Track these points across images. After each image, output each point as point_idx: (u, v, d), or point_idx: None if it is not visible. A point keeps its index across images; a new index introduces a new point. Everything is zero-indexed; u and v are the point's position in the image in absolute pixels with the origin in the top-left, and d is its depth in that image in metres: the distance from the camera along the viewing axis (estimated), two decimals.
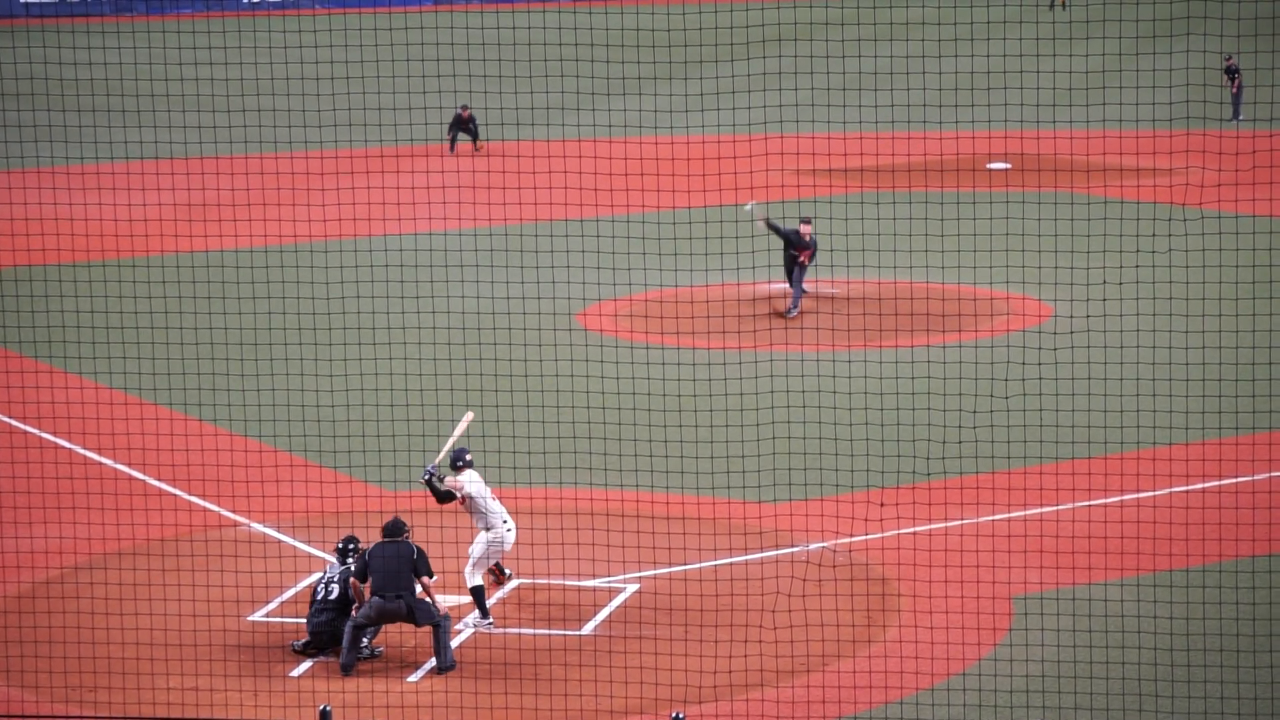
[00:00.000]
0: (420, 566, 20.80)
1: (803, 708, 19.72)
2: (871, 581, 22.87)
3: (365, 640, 20.90)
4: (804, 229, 36.61)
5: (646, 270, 35.99)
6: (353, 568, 21.20)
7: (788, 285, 36.87)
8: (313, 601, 21.21)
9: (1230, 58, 61.42)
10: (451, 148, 59.28)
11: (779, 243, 37.63)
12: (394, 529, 21.03)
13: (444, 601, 21.80)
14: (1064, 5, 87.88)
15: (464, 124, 59.19)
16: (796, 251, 36.45)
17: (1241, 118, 60.32)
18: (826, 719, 19.55)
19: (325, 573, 21.45)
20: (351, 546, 21.50)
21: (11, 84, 61.85)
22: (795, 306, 36.38)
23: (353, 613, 20.87)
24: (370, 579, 20.82)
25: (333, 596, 21.08)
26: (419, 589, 20.81)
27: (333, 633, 20.99)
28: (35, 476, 25.97)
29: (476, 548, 21.82)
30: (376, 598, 20.68)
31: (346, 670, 20.54)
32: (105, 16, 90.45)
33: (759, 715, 19.53)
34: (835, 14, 73.56)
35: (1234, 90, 61.02)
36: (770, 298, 37.69)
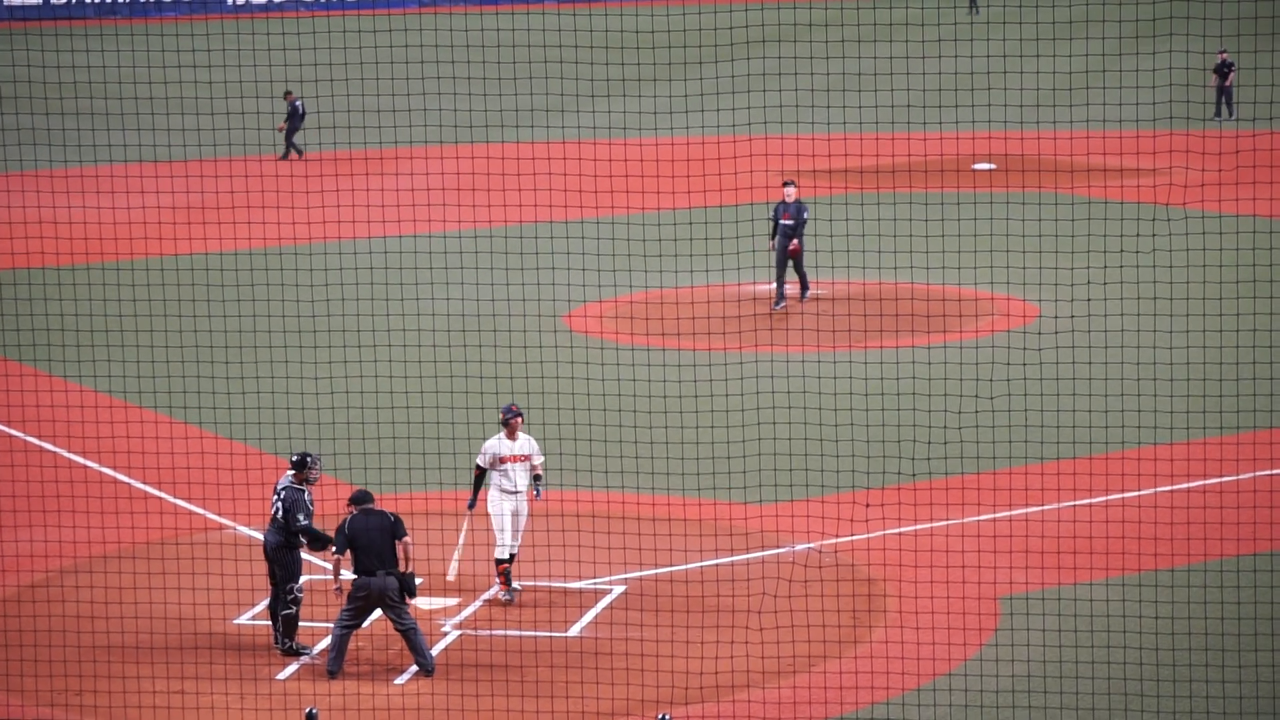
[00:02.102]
0: (398, 527, 20.54)
1: (789, 708, 19.73)
2: (858, 582, 22.89)
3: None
4: (786, 192, 36.86)
5: (632, 272, 35.99)
6: (307, 498, 21.03)
7: (774, 282, 37.10)
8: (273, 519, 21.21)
9: (1224, 52, 61.52)
10: (286, 153, 57.54)
11: (766, 243, 37.64)
12: (365, 497, 20.73)
13: (431, 604, 21.78)
14: (977, 8, 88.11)
15: (296, 117, 57.04)
16: (789, 228, 36.65)
17: (1235, 116, 60.45)
18: None
19: (275, 486, 21.28)
20: (310, 459, 21.27)
21: None
22: (805, 292, 36.87)
23: (330, 572, 20.71)
24: (354, 555, 20.46)
25: (278, 517, 21.02)
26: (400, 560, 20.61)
27: (273, 554, 20.90)
28: (21, 480, 25.93)
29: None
30: (363, 577, 20.39)
31: (333, 674, 20.49)
32: (88, 19, 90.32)
33: (746, 716, 19.53)
34: (820, 15, 73.55)
35: (1225, 85, 61.12)
36: (755, 299, 37.71)
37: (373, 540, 20.42)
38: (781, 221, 36.87)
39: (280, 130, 57.24)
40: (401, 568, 20.53)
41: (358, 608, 20.51)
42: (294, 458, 21.41)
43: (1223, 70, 61.34)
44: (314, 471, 21.35)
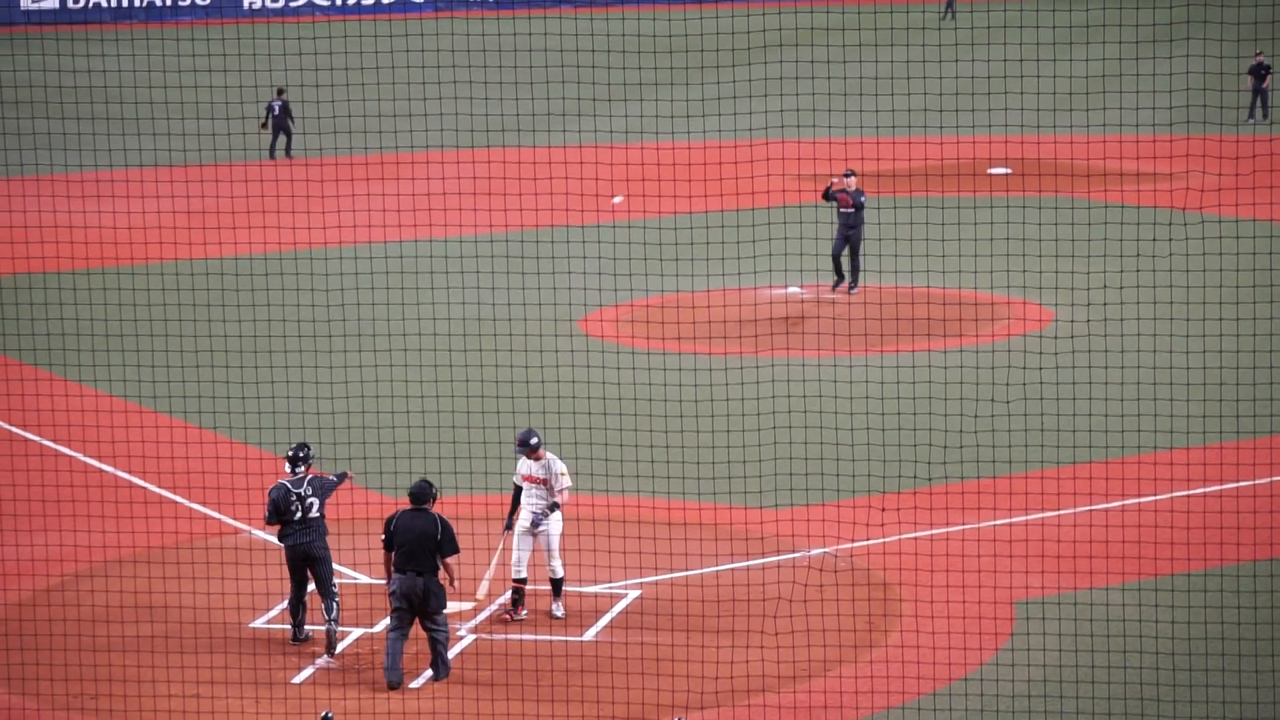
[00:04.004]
0: (445, 544, 20.19)
1: (805, 713, 19.69)
2: (873, 587, 22.85)
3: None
4: (847, 182, 38.17)
5: (647, 276, 35.98)
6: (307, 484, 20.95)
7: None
8: (282, 517, 20.93)
9: (1260, 54, 61.56)
10: (276, 152, 58.17)
11: (781, 247, 37.66)
12: (419, 495, 20.38)
13: (450, 606, 21.73)
14: (953, 14, 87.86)
15: (281, 117, 57.57)
16: (848, 216, 37.95)
17: (1270, 120, 60.51)
18: None
19: (286, 487, 21.06)
20: (303, 454, 21.15)
21: (11, 91, 61.87)
22: (855, 283, 37.94)
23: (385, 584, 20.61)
24: (395, 552, 20.28)
25: (313, 514, 20.92)
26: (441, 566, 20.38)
27: (306, 552, 20.85)
28: (36, 484, 25.96)
29: (558, 528, 21.95)
30: (398, 574, 20.20)
31: (392, 684, 20.14)
32: (105, 24, 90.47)
33: None
34: (836, 19, 73.46)
35: (1262, 87, 61.20)
36: (771, 303, 37.68)
37: (410, 541, 20.20)
38: (842, 210, 38.07)
39: (263, 130, 58.06)
40: (441, 579, 20.34)
41: (399, 612, 20.27)
42: (290, 452, 21.31)
43: (1259, 72, 61.37)
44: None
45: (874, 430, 27.89)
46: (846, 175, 38.20)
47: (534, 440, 22.04)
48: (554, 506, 21.93)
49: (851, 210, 37.99)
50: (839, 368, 31.95)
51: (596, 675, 20.42)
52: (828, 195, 38.32)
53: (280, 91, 57.03)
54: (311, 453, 21.43)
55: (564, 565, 22.13)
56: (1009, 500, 25.08)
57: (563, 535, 22.40)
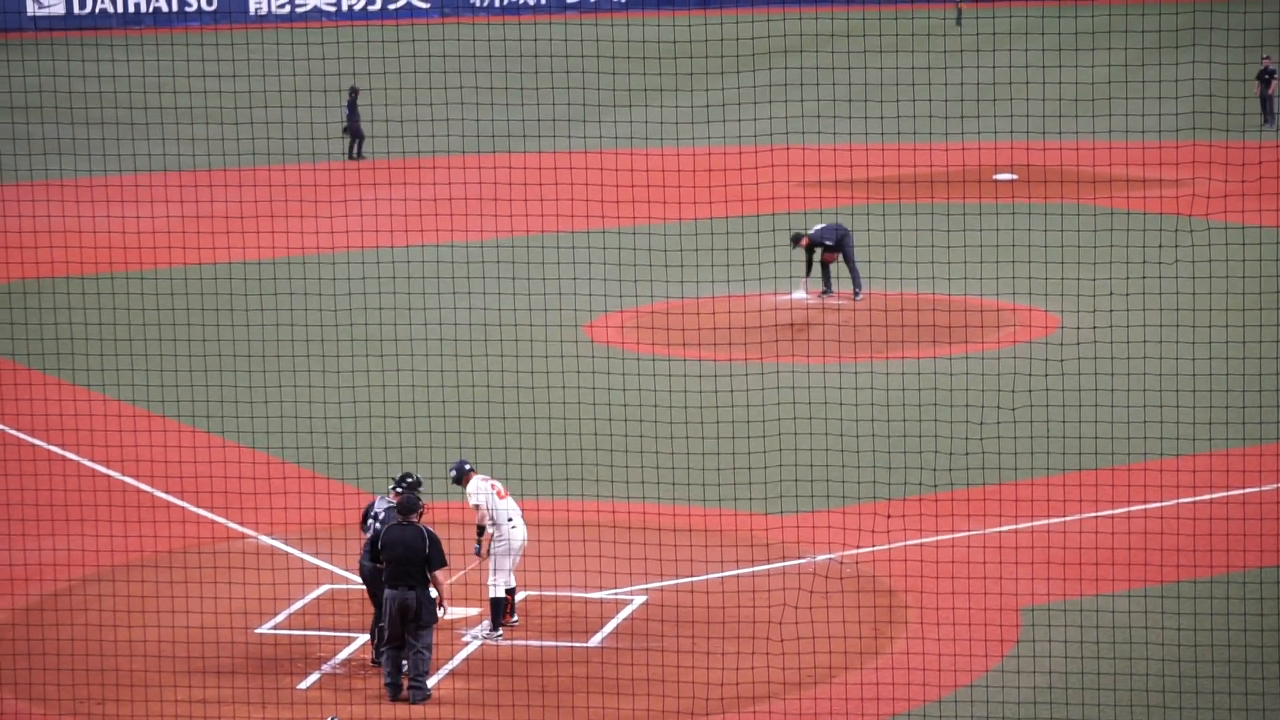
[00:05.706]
0: (433, 557, 20.00)
1: None
2: (879, 593, 22.87)
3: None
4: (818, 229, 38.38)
5: (653, 282, 36.00)
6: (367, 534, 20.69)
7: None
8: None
9: (1267, 58, 61.63)
10: (354, 151, 58.25)
11: (787, 253, 37.73)
12: (407, 507, 20.20)
13: (454, 612, 21.75)
14: (960, 20, 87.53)
15: (355, 117, 57.46)
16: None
17: (1276, 126, 60.54)
18: None
19: (379, 506, 20.82)
20: (410, 480, 20.70)
21: (20, 97, 61.99)
22: (859, 289, 38.06)
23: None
24: (385, 566, 20.16)
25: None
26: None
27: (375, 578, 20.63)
28: (43, 489, 26.00)
29: (492, 558, 21.71)
30: (389, 589, 20.08)
31: (392, 697, 20.09)
32: (113, 30, 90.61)
33: None
34: (841, 25, 73.48)
35: (1269, 93, 61.24)
36: (777, 309, 37.70)
37: (399, 555, 20.03)
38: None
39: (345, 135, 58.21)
40: (434, 592, 20.25)
41: (393, 624, 20.19)
42: (395, 478, 20.99)
43: (1264, 77, 61.44)
44: (392, 496, 20.91)
45: (879, 437, 27.88)
46: (823, 239, 38.03)
47: (452, 474, 21.90)
48: (480, 531, 21.71)
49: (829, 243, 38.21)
50: (844, 374, 31.94)
51: (601, 681, 20.44)
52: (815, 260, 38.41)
53: (353, 91, 56.82)
54: (399, 483, 20.80)
55: (497, 586, 21.51)
56: (1015, 507, 25.09)
57: (569, 541, 22.33)
